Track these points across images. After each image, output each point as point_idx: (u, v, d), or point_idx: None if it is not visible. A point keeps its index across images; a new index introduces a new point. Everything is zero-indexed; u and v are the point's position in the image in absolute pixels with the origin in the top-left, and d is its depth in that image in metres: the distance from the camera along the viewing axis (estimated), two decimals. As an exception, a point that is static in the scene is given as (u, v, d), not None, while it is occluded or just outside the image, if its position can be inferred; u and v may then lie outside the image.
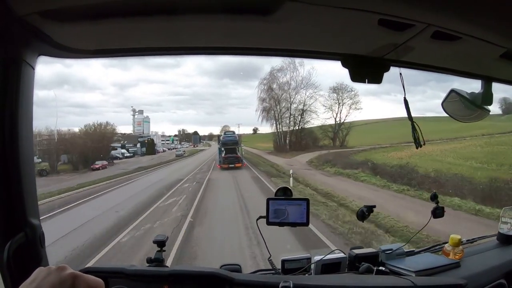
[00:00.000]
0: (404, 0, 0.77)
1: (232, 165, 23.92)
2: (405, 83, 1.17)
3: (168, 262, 1.87)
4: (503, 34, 0.93)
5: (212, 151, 48.03)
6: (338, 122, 37.05)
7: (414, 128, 1.18)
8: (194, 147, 66.15)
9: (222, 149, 26.14)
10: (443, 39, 0.94)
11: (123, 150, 43.35)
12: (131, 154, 42.94)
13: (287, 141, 37.89)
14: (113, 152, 40.70)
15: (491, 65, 1.20)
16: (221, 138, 28.90)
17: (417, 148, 1.18)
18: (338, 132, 36.74)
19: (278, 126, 38.94)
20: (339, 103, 37.15)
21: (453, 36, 0.92)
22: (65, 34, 0.95)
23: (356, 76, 1.15)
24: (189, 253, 6.85)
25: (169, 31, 0.97)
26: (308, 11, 0.82)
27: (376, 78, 1.15)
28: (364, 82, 1.16)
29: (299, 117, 37.70)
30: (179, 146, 59.09)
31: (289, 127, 38.45)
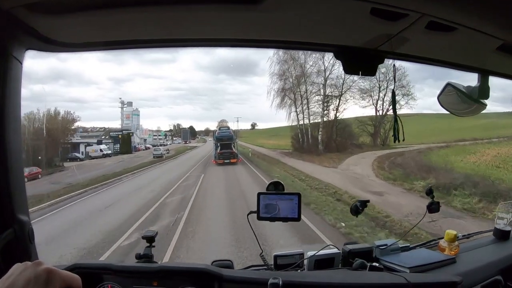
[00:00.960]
0: None
1: (228, 161, 23.92)
2: (402, 81, 1.15)
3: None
4: (500, 25, 0.90)
5: (207, 148, 42.70)
6: (381, 113, 27.33)
7: (396, 122, 1.16)
8: (186, 143, 59.91)
9: (218, 144, 26.28)
10: (438, 30, 0.92)
11: (102, 146, 37.79)
12: (110, 152, 37.12)
13: (319, 138, 26.93)
14: (88, 149, 35.34)
15: (487, 58, 1.17)
16: (216, 133, 28.59)
17: (394, 142, 1.16)
18: (380, 126, 27.49)
19: (300, 115, 28.56)
20: (379, 88, 26.57)
21: (448, 27, 0.90)
22: (53, 27, 0.93)
23: (350, 68, 1.13)
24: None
25: (159, 23, 0.95)
26: (297, 0, 0.81)
27: (370, 70, 1.13)
28: (358, 74, 1.14)
29: (336, 102, 26.77)
30: (159, 144, 50.90)
31: (322, 117, 27.25)
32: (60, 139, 29.76)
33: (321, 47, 1.12)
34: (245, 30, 1.03)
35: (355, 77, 24.23)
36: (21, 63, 0.99)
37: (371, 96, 28.15)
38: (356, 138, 27.36)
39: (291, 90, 29.16)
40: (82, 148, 35.63)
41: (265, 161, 25.88)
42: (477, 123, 22.64)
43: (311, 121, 28.50)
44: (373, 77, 22.32)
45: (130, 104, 51.58)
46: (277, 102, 30.75)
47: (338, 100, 27.25)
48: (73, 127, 34.50)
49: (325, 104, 27.41)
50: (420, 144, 23.62)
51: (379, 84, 26.64)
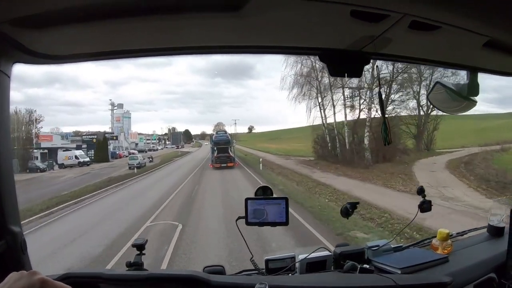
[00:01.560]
0: None
1: (224, 165, 24.19)
2: (398, 85, 1.14)
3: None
4: (484, 22, 0.89)
5: (201, 154, 39.71)
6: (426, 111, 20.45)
7: (385, 124, 1.15)
8: (178, 148, 54.91)
9: (215, 148, 26.52)
10: (421, 29, 0.91)
11: (78, 152, 31.90)
12: (88, 160, 31.38)
13: (366, 143, 19.20)
14: (60, 155, 29.86)
15: (474, 55, 1.16)
16: (213, 137, 28.92)
17: (385, 145, 1.15)
18: (424, 127, 21.36)
19: (327, 111, 21.57)
20: (420, 78, 19.60)
21: (432, 25, 0.89)
22: (39, 40, 0.93)
23: (335, 70, 1.12)
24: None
25: (145, 33, 0.95)
26: (277, 5, 0.80)
27: (355, 71, 1.12)
28: (344, 76, 1.13)
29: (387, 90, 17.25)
30: (147, 149, 46.62)
31: (369, 112, 18.83)
32: (23, 145, 25.94)
33: (305, 51, 1.12)
34: (228, 37, 1.03)
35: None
36: (9, 77, 1.00)
37: (412, 88, 20.64)
38: (400, 141, 19.99)
39: (314, 74, 21.28)
40: (61, 155, 30.85)
41: (287, 178, 17.69)
42: (494, 124, 21.27)
43: (340, 120, 21.31)
44: (411, 67, 17.53)
45: (120, 106, 48.66)
46: (294, 94, 23.36)
47: (388, 88, 17.87)
48: (36, 129, 30.15)
49: (369, 94, 17.77)
50: (463, 148, 20.42)
51: (420, 75, 20.14)
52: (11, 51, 0.94)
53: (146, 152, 46.98)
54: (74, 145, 35.11)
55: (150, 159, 33.91)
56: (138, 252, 1.39)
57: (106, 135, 40.69)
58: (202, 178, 19.09)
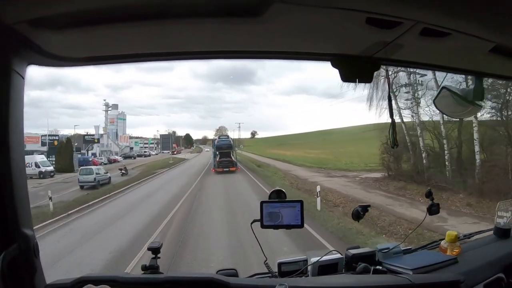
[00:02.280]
0: None
1: (227, 169, 24.00)
2: (407, 90, 1.17)
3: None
4: (492, 28, 0.92)
5: (199, 163, 31.98)
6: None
7: (393, 127, 1.17)
8: (174, 154, 44.78)
9: (217, 153, 26.15)
10: (432, 36, 0.94)
11: (40, 158, 22.76)
12: (51, 169, 22.77)
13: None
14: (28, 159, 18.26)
15: (481, 60, 1.19)
16: (215, 142, 28.52)
17: (392, 147, 1.18)
18: None
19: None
20: None
21: (442, 32, 0.92)
22: (55, 42, 0.94)
23: (347, 76, 1.14)
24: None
25: (159, 37, 0.97)
26: (295, 12, 0.82)
27: (366, 77, 1.15)
28: (355, 81, 1.16)
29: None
30: (133, 156, 38.78)
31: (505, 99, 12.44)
32: None
33: (318, 57, 1.14)
34: (243, 42, 1.05)
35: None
36: (23, 78, 1.00)
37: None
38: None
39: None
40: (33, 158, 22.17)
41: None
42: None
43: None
44: None
45: (115, 107, 43.72)
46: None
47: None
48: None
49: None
50: None
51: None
52: (27, 52, 0.95)
53: (134, 158, 40.01)
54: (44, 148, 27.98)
55: (123, 171, 23.74)
56: (154, 256, 1.38)
57: (85, 137, 36.07)
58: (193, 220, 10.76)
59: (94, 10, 0.80)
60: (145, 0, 0.80)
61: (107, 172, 21.56)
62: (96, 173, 20.17)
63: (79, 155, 29.35)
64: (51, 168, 23.56)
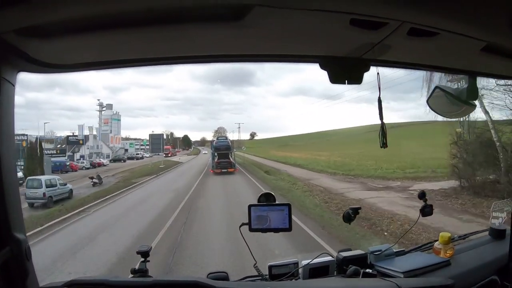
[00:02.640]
0: None
1: (225, 170, 24.02)
2: (396, 91, 1.15)
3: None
4: (482, 27, 0.90)
5: (196, 169, 27.17)
6: None
7: (383, 129, 1.16)
8: (168, 156, 40.17)
9: (215, 154, 26.18)
10: (420, 36, 0.92)
11: None
12: (21, 175, 15.95)
13: None
14: None
15: (473, 60, 1.17)
16: (214, 143, 28.49)
17: (381, 147, 1.17)
18: None
19: None
20: None
21: (430, 32, 0.91)
22: (44, 50, 0.95)
23: (336, 78, 1.13)
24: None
25: (149, 42, 0.97)
26: (278, 14, 0.81)
27: (355, 78, 1.13)
28: (344, 83, 1.14)
29: None
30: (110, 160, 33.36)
31: None
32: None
33: (306, 59, 1.13)
34: (231, 46, 1.05)
35: None
36: (14, 85, 1.01)
37: None
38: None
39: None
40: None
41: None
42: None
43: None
44: None
45: (109, 106, 40.85)
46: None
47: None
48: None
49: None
50: None
51: None
52: (16, 60, 0.96)
53: (123, 161, 36.18)
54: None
55: (95, 180, 19.12)
56: (143, 259, 1.39)
57: (69, 138, 32.59)
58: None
59: (83, 18, 0.81)
60: (131, 7, 0.80)
61: (65, 184, 16.36)
62: (48, 186, 14.59)
63: (53, 158, 24.83)
64: (19, 174, 16.67)
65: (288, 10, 0.79)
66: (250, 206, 1.34)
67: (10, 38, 0.85)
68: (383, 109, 1.15)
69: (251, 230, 1.33)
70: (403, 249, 1.64)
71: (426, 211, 1.59)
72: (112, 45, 0.97)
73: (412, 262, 1.47)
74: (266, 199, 1.37)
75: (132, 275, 1.37)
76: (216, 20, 0.85)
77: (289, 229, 1.31)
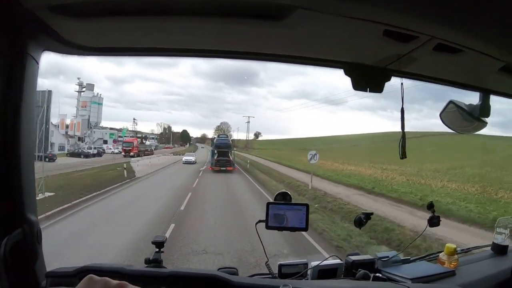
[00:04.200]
0: (409, 12, 0.79)
1: (224, 168, 23.92)
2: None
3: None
4: (504, 48, 0.95)
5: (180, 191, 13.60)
6: None
7: (404, 139, 1.21)
8: (129, 155, 29.44)
9: (215, 151, 26.19)
10: (445, 52, 0.96)
11: None
12: None
13: None
14: None
15: (489, 78, 1.22)
16: (214, 140, 28.43)
17: (401, 158, 1.21)
18: None
19: None
20: None
21: (455, 48, 0.94)
22: (72, 30, 0.95)
23: (358, 85, 1.17)
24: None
25: (180, 33, 0.97)
26: (316, 19, 0.84)
27: (377, 87, 1.17)
28: (366, 90, 1.17)
29: None
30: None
31: None
32: None
33: (331, 64, 1.16)
34: (263, 45, 1.06)
35: None
36: (38, 63, 1.01)
37: None
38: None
39: None
40: None
41: None
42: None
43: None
44: None
45: (90, 87, 32.36)
46: None
47: None
48: None
49: None
50: None
51: None
52: (43, 37, 0.96)
53: (85, 157, 27.32)
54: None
55: None
56: (157, 250, 1.39)
57: None
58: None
59: (112, 1, 0.82)
60: None
61: None
62: None
63: None
64: None
65: (327, 15, 0.81)
66: (268, 204, 1.36)
67: (41, 14, 0.85)
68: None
69: (267, 227, 1.35)
70: (409, 257, 1.67)
71: (434, 222, 1.62)
72: (141, 32, 0.97)
73: (419, 270, 1.50)
74: (283, 198, 1.40)
75: (146, 265, 1.36)
76: (254, 17, 0.86)
77: (305, 228, 1.34)
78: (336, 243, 7.95)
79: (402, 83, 1.17)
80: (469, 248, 1.83)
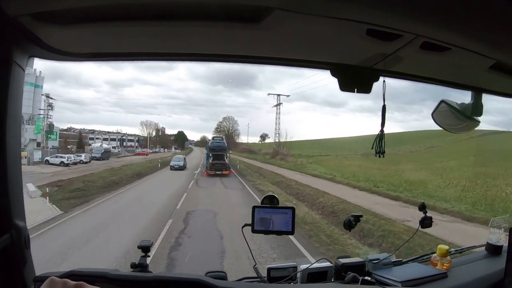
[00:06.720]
0: (392, 11, 0.76)
1: (220, 172, 23.05)
2: (399, 102, 1.17)
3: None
4: (493, 45, 0.92)
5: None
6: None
7: (381, 137, 1.18)
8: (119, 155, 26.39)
9: (210, 154, 25.23)
10: (432, 50, 0.94)
11: None
12: None
13: None
14: None
15: (480, 76, 1.19)
16: (209, 143, 27.31)
17: (378, 156, 1.18)
18: None
19: None
20: None
21: (442, 47, 0.92)
22: (56, 37, 0.95)
23: (345, 85, 1.14)
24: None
25: (161, 37, 0.97)
26: (296, 20, 0.82)
27: (365, 87, 1.15)
28: (353, 91, 1.15)
29: None
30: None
31: None
32: None
33: (317, 65, 1.14)
34: (245, 47, 1.05)
35: None
36: (23, 70, 1.01)
37: None
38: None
39: None
40: None
41: None
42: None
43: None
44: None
45: (31, 64, 12.98)
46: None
47: None
48: None
49: None
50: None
51: None
52: (28, 44, 0.96)
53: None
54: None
55: None
56: (143, 254, 1.38)
57: None
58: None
59: (97, 8, 0.81)
60: (147, 0, 0.80)
61: None
62: None
63: None
64: None
65: (307, 16, 0.80)
66: (254, 208, 1.34)
67: (25, 22, 0.85)
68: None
69: (254, 231, 1.33)
70: (401, 259, 1.65)
71: (426, 222, 1.60)
72: (126, 37, 0.97)
73: (410, 272, 1.48)
74: (270, 202, 1.38)
75: (132, 270, 1.36)
76: (234, 20, 0.85)
77: (291, 232, 1.32)
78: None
79: (384, 81, 1.15)
80: (463, 249, 1.81)
